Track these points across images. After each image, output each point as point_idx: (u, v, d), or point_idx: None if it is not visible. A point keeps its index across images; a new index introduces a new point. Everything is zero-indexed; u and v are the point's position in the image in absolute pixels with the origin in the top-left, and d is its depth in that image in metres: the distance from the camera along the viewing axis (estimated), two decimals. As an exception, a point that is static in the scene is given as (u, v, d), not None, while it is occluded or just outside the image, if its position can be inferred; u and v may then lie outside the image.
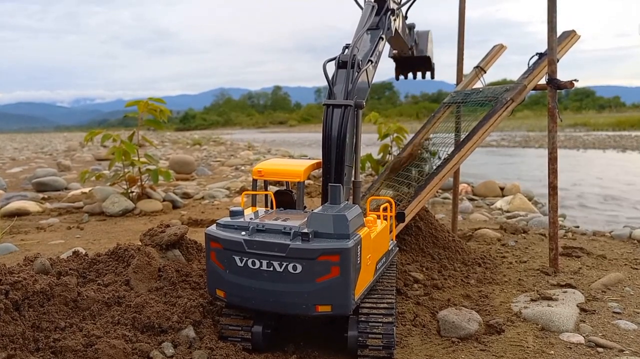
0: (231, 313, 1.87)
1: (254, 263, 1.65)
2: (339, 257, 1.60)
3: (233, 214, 1.79)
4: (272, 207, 2.01)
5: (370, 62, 2.12)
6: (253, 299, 1.70)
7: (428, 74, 3.38)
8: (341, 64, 2.02)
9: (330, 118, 1.92)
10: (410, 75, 3.40)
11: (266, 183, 2.03)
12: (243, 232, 1.68)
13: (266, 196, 2.03)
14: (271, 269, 1.64)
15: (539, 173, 8.73)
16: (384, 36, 2.31)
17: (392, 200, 2.11)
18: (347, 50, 2.09)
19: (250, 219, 1.78)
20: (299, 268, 1.62)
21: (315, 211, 1.70)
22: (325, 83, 2.02)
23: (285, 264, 1.62)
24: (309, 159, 2.13)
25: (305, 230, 1.63)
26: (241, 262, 1.67)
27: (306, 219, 1.74)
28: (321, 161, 1.96)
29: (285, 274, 1.63)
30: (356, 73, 1.99)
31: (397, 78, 3.43)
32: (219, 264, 1.74)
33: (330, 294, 1.63)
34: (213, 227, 1.78)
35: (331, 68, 2.05)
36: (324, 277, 1.61)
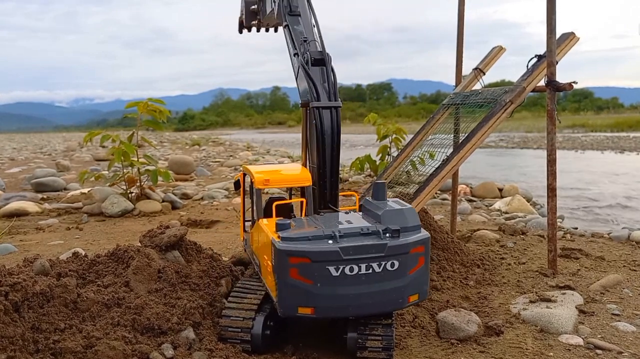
0: (231, 315, 1.88)
1: (352, 269, 1.61)
2: (423, 247, 1.71)
3: (280, 227, 1.68)
4: (292, 215, 1.97)
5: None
6: (350, 306, 1.65)
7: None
8: (315, 62, 1.98)
9: (319, 121, 1.92)
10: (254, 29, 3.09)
11: (255, 190, 1.99)
12: (330, 241, 1.62)
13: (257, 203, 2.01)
14: (370, 271, 1.63)
15: (538, 174, 8.74)
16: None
17: (355, 193, 2.10)
18: (307, 45, 2.04)
19: (315, 227, 1.70)
20: (396, 264, 1.66)
21: (386, 208, 1.74)
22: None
23: (384, 263, 1.64)
24: (298, 161, 2.14)
25: (395, 227, 1.67)
26: (337, 271, 1.60)
27: (356, 217, 1.78)
28: (304, 162, 1.99)
29: (383, 273, 1.65)
30: (331, 70, 1.98)
31: (240, 32, 3.14)
32: (305, 279, 1.61)
33: (419, 283, 1.73)
34: (282, 243, 1.62)
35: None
36: (415, 268, 1.70)
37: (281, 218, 1.75)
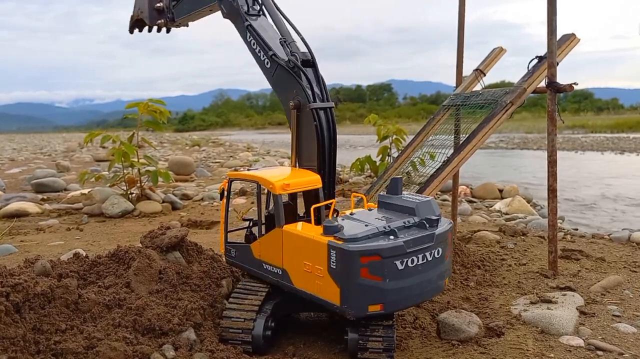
0: (232, 316, 1.88)
1: (412, 261, 1.69)
2: (450, 234, 1.83)
3: (331, 229, 1.67)
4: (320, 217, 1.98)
5: None
6: (411, 296, 1.73)
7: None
8: (303, 63, 1.99)
9: (319, 122, 1.94)
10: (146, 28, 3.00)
11: (274, 196, 1.92)
12: (391, 237, 1.67)
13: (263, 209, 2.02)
14: (425, 261, 1.72)
15: (538, 175, 8.74)
16: None
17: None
18: (288, 46, 2.03)
19: (366, 225, 1.72)
20: (440, 251, 1.76)
21: (417, 201, 1.83)
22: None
23: (433, 251, 1.73)
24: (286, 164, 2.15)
25: (434, 217, 1.78)
26: (402, 264, 1.66)
27: (381, 213, 1.87)
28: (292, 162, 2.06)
29: (433, 261, 1.74)
30: (319, 70, 2.02)
31: (131, 32, 3.06)
32: (375, 277, 1.63)
33: (449, 267, 1.89)
34: (349, 244, 1.62)
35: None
36: (448, 254, 1.83)
37: (328, 220, 1.72)
